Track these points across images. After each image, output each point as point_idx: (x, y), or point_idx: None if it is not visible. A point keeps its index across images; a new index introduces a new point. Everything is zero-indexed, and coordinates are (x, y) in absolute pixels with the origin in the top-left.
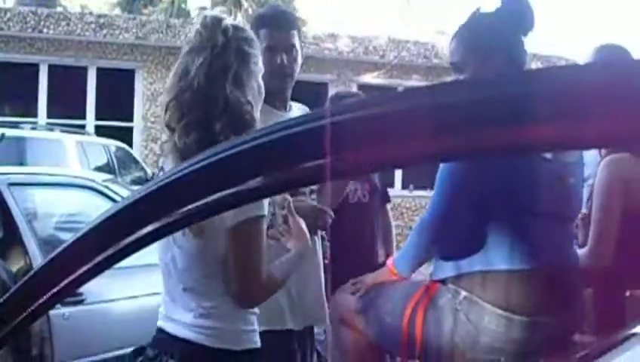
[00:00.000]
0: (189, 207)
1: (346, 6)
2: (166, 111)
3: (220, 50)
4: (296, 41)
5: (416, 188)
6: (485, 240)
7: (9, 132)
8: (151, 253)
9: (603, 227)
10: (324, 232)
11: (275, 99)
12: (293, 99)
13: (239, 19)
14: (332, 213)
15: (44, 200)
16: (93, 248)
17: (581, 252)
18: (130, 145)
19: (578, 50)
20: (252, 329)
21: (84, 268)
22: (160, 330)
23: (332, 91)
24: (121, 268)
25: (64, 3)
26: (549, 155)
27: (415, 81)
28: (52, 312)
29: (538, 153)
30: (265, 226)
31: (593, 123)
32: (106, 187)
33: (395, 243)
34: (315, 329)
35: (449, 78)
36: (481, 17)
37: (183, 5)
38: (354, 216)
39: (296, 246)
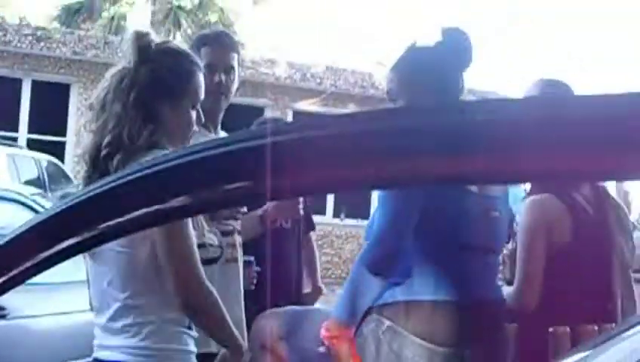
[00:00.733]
0: (110, 222)
1: (285, 32)
2: (87, 113)
3: (133, 66)
4: (235, 64)
5: (348, 216)
6: (410, 271)
7: None
8: (77, 270)
9: (528, 268)
10: (251, 257)
11: (206, 118)
12: (228, 121)
13: (178, 39)
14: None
15: None
16: (14, 259)
17: (508, 291)
18: (62, 160)
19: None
20: (189, 350)
21: (3, 279)
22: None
23: (268, 116)
24: (45, 283)
25: (1, 14)
26: (474, 188)
27: (351, 110)
28: None
29: (463, 184)
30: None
31: (519, 157)
32: (35, 201)
33: (319, 273)
34: None
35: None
36: (418, 51)
37: (122, 22)
38: (275, 241)
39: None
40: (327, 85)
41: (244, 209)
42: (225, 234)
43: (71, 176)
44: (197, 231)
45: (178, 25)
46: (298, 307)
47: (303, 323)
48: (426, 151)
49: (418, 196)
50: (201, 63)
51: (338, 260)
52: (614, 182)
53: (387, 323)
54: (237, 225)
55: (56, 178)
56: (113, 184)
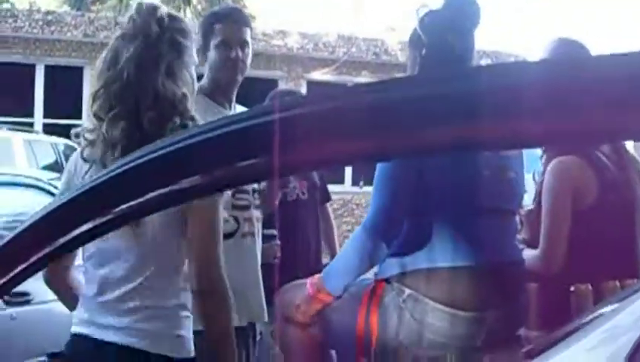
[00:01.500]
0: (129, 204)
1: (295, 2)
2: (94, 100)
3: (153, 40)
4: (249, 38)
5: (367, 184)
6: (429, 238)
7: None
8: None
9: (554, 231)
10: (274, 230)
11: (222, 94)
12: (242, 95)
13: (188, 15)
14: None
15: None
16: (31, 246)
17: (532, 254)
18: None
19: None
20: (188, 336)
21: (24, 266)
22: (79, 336)
23: (282, 87)
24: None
25: (12, 0)
26: None
27: (364, 78)
28: None
29: (479, 151)
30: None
31: (536, 121)
32: (53, 186)
33: (337, 243)
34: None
35: (398, 75)
36: (426, 15)
37: (131, 2)
38: (294, 213)
39: None
40: (340, 54)
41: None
42: (240, 208)
43: None
44: None
45: (188, 1)
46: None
47: None
48: (436, 119)
49: (416, 161)
50: (216, 40)
51: None
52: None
53: (408, 291)
54: (253, 199)
55: None
56: (127, 166)
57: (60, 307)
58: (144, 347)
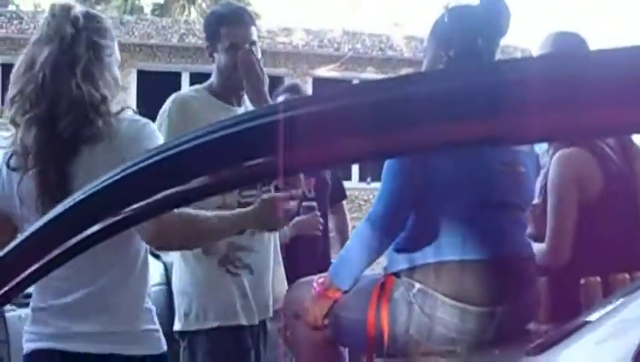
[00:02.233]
0: (135, 206)
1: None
2: (11, 105)
3: (68, 41)
4: (256, 37)
5: (374, 180)
6: (438, 232)
7: None
8: None
9: (559, 223)
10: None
11: (233, 95)
12: None
13: (193, 14)
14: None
15: None
16: (43, 246)
17: (539, 247)
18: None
19: (534, 39)
20: (155, 328)
21: (34, 267)
22: (44, 352)
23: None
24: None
25: (17, 2)
26: None
27: (370, 74)
28: (8, 314)
29: (487, 146)
30: None
31: (542, 116)
32: None
33: None
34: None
35: (404, 70)
36: (453, 12)
37: (136, 1)
38: (298, 211)
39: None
40: (345, 50)
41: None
42: (246, 206)
43: None
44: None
45: (192, 0)
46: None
47: None
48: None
49: (424, 155)
50: (225, 44)
51: None
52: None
53: (417, 285)
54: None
55: None
56: (132, 169)
57: None
58: (117, 351)
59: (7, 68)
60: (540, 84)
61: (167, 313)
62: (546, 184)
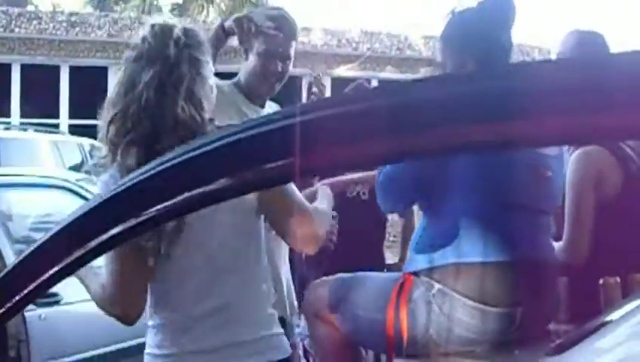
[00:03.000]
0: (163, 205)
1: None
2: (110, 124)
3: (172, 62)
4: (293, 52)
5: None
6: (457, 232)
7: None
8: None
9: (578, 222)
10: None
11: (257, 96)
12: None
13: (212, 14)
14: None
15: (18, 201)
16: (64, 247)
17: (556, 245)
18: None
19: (552, 38)
20: (279, 332)
21: (56, 268)
22: None
23: (305, 85)
24: (98, 266)
25: (35, 2)
26: None
27: (388, 73)
28: (28, 314)
29: (513, 150)
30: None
31: (566, 119)
32: (80, 186)
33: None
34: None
35: (422, 70)
36: (460, 15)
37: (155, 2)
38: (349, 210)
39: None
40: (364, 49)
41: None
42: None
43: None
44: None
45: (211, 0)
46: (348, 274)
47: (354, 290)
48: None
49: (447, 163)
50: (259, 49)
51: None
52: None
53: (437, 286)
54: None
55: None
56: (154, 170)
57: (88, 308)
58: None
59: (26, 68)
60: (559, 87)
61: None
62: (564, 183)
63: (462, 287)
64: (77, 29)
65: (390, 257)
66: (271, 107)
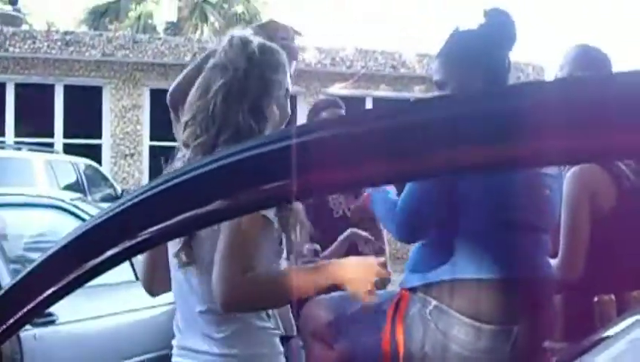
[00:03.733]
0: (160, 226)
1: (311, 18)
2: (185, 128)
3: (241, 74)
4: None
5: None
6: (454, 249)
7: None
8: (123, 270)
9: (573, 239)
10: (316, 246)
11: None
12: None
13: (206, 33)
14: None
15: (12, 221)
16: (62, 268)
17: (552, 262)
18: (99, 163)
19: (546, 56)
20: (278, 351)
21: (54, 288)
22: None
23: (300, 103)
24: (93, 286)
25: (30, 21)
26: None
27: (383, 91)
28: (23, 333)
29: (511, 170)
30: (265, 230)
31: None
32: (75, 206)
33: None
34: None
35: (416, 88)
36: (462, 34)
37: (149, 21)
38: (338, 230)
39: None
40: (358, 67)
41: None
42: None
43: (109, 177)
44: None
45: (205, 18)
46: (343, 292)
47: (349, 308)
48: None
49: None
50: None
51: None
52: None
53: (434, 302)
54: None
55: (94, 181)
56: (151, 192)
57: (85, 327)
58: None
59: (21, 87)
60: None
61: None
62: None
63: (458, 304)
64: (71, 48)
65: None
66: None
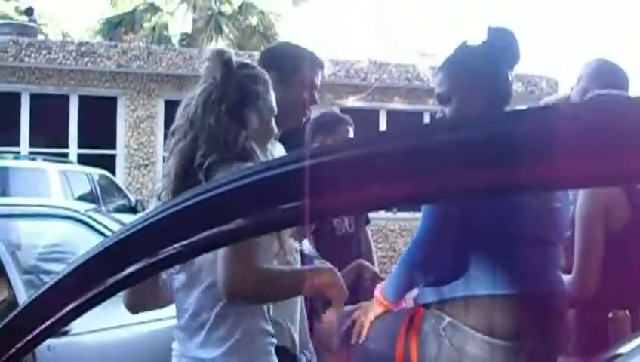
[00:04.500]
0: (180, 244)
1: (325, 30)
2: (172, 137)
3: (219, 81)
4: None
5: (400, 210)
6: (468, 266)
7: None
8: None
9: (587, 255)
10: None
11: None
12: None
13: (220, 44)
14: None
15: (27, 232)
16: (82, 284)
17: (565, 279)
18: (114, 173)
19: (559, 69)
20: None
21: (74, 305)
22: None
23: (315, 115)
24: None
25: (45, 31)
26: None
27: (397, 104)
28: None
29: (522, 194)
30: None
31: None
32: (89, 217)
33: (377, 265)
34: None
35: (430, 101)
36: (467, 50)
37: (164, 32)
38: (342, 248)
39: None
40: (372, 80)
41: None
42: None
43: (123, 188)
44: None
45: (220, 30)
46: (356, 306)
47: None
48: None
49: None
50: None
51: (393, 254)
52: None
53: (447, 318)
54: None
55: (109, 191)
56: (167, 212)
57: (99, 338)
58: None
59: (36, 97)
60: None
61: None
62: (573, 217)
63: (472, 320)
64: (86, 58)
65: None
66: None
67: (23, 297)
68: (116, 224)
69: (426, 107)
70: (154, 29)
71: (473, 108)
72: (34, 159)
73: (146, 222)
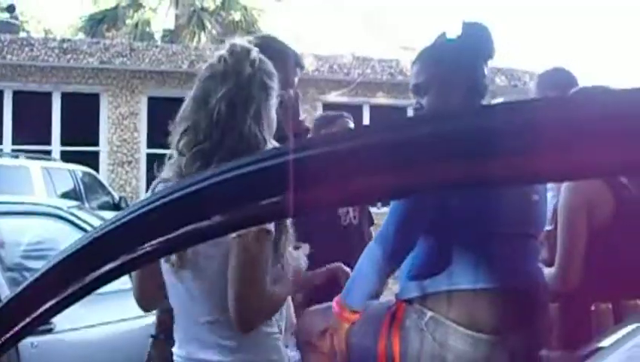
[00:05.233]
0: (162, 238)
1: (309, 26)
2: (182, 137)
3: (245, 81)
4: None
5: (384, 204)
6: (450, 260)
7: None
8: (121, 278)
9: (569, 248)
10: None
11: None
12: None
13: (203, 40)
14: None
15: (10, 229)
16: (64, 279)
17: (548, 271)
18: (97, 170)
19: (543, 63)
20: (284, 356)
21: (56, 300)
22: None
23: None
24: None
25: (27, 28)
26: None
27: (380, 98)
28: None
29: (502, 187)
30: (269, 244)
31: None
32: (72, 214)
33: None
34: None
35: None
36: (444, 43)
37: (147, 28)
38: (345, 239)
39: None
40: (355, 75)
41: None
42: None
43: (107, 185)
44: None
45: (202, 26)
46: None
47: None
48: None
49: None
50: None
51: None
52: None
53: (429, 313)
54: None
55: (92, 188)
56: (154, 204)
57: (83, 335)
58: None
59: (18, 95)
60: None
61: None
62: (556, 209)
63: (454, 315)
64: (69, 55)
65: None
66: None
67: (7, 294)
68: (99, 221)
69: (409, 102)
70: (136, 25)
71: (451, 101)
72: (17, 156)
73: (127, 218)
